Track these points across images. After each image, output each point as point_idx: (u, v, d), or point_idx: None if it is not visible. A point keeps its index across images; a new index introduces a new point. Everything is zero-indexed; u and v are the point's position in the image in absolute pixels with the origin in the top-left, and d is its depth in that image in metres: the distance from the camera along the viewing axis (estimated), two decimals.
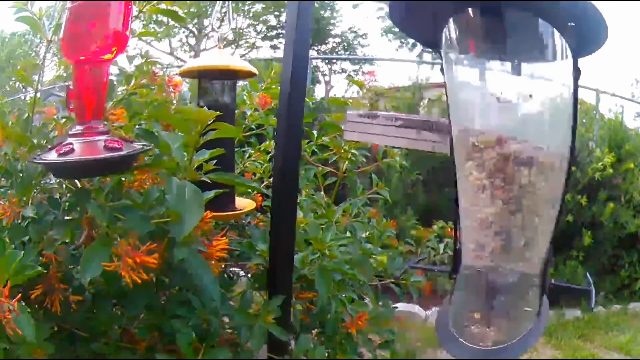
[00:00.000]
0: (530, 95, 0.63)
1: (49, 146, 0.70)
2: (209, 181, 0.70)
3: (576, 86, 0.63)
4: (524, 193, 0.61)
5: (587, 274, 0.78)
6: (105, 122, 0.75)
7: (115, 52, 0.66)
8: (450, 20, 0.63)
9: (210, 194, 0.68)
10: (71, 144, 0.63)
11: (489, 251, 0.63)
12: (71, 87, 0.66)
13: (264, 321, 0.77)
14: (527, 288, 0.65)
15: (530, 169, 0.60)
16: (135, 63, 0.90)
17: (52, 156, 0.62)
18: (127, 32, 0.66)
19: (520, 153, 0.60)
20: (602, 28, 0.58)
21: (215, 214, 0.75)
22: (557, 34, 0.60)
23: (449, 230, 1.44)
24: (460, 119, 0.67)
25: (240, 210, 0.91)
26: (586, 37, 0.60)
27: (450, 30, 0.64)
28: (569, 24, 0.58)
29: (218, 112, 0.65)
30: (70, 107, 0.67)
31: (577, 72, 0.62)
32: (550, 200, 0.63)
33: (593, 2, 0.55)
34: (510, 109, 0.64)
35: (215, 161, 0.69)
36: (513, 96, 0.64)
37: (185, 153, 0.68)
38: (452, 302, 0.70)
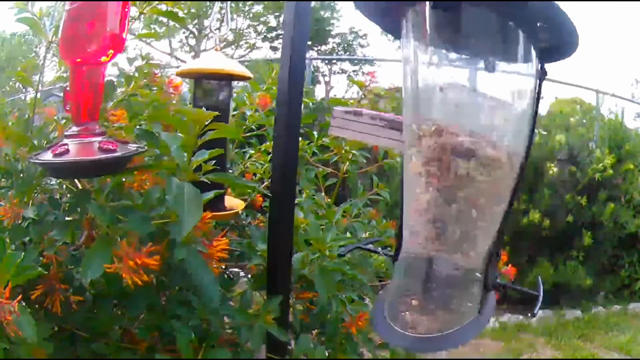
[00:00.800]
0: (475, 90, 0.63)
1: (46, 146, 0.70)
2: (207, 182, 0.70)
3: (539, 88, 0.63)
4: (460, 184, 0.60)
5: (539, 278, 0.77)
6: (106, 123, 0.75)
7: (112, 54, 0.66)
8: (409, 9, 0.63)
9: (210, 194, 0.68)
10: (66, 144, 0.63)
11: (422, 238, 0.62)
12: (68, 88, 0.66)
13: (264, 321, 0.77)
14: (466, 282, 0.64)
15: (469, 161, 0.60)
16: (135, 64, 0.90)
17: (48, 156, 0.63)
18: (124, 34, 0.67)
19: (460, 144, 0.60)
20: (572, 33, 0.58)
21: (213, 214, 0.76)
22: (520, 32, 0.60)
23: None
24: (407, 106, 0.67)
25: (230, 210, 0.92)
26: (557, 41, 0.60)
27: (408, 20, 0.64)
28: (538, 25, 0.58)
29: (216, 113, 0.65)
30: (67, 108, 0.67)
31: (542, 74, 0.62)
32: (493, 195, 0.63)
33: (559, 5, 0.55)
34: (455, 101, 0.64)
35: (214, 162, 0.70)
36: (464, 89, 0.64)
37: (184, 153, 0.68)
38: (389, 288, 0.70)
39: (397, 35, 0.68)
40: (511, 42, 0.61)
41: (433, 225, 0.61)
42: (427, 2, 0.60)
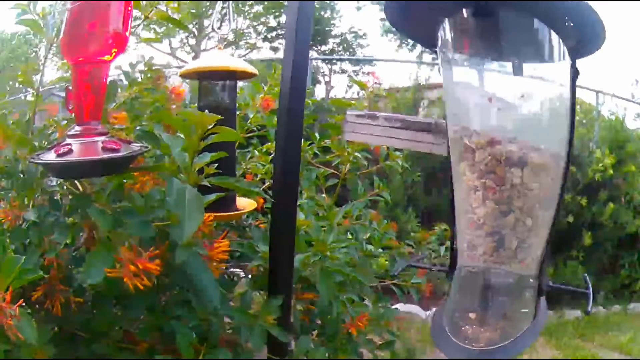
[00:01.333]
0: (523, 96, 0.63)
1: (48, 147, 0.70)
2: (209, 185, 0.70)
3: (574, 86, 0.63)
4: (516, 194, 0.60)
5: (586, 275, 0.78)
6: (107, 125, 0.75)
7: (114, 53, 0.66)
8: (446, 20, 0.63)
9: (212, 196, 0.68)
10: (70, 144, 0.63)
11: (481, 252, 0.63)
12: (70, 87, 0.66)
13: (264, 321, 0.77)
14: (522, 289, 0.65)
15: (523, 170, 0.60)
16: (138, 68, 0.90)
17: (51, 156, 0.63)
18: (127, 33, 0.66)
19: (512, 154, 0.60)
20: (599, 28, 0.58)
21: (216, 214, 0.75)
22: (553, 34, 0.60)
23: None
24: (455, 119, 0.67)
25: (241, 210, 0.91)
26: (584, 38, 0.60)
27: (446, 30, 0.64)
28: (567, 24, 0.58)
29: (219, 116, 0.65)
30: (70, 108, 0.67)
31: (574, 72, 0.62)
32: (544, 201, 0.63)
33: (589, 3, 0.55)
34: (504, 110, 0.64)
35: (217, 164, 0.69)
36: (508, 96, 0.63)
37: (186, 155, 0.68)
38: (447, 303, 0.70)
39: (427, 44, 0.67)
40: (547, 43, 0.61)
41: (491, 237, 0.62)
42: (464, 10, 0.60)
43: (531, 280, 0.65)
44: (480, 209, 0.62)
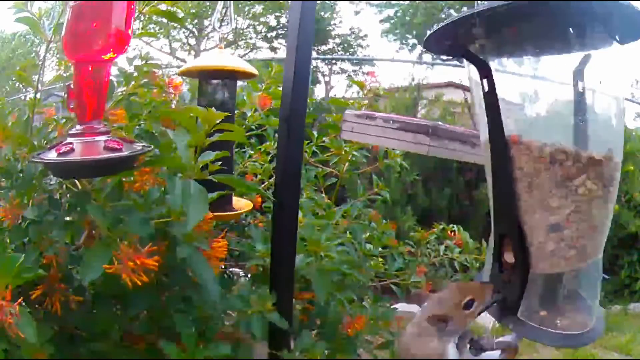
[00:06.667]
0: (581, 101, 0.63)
1: (49, 146, 0.70)
2: (214, 180, 0.70)
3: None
4: (586, 198, 0.62)
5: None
6: (106, 123, 0.75)
7: (116, 51, 0.66)
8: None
9: (213, 195, 0.68)
10: (71, 143, 0.63)
11: (555, 256, 0.64)
12: (72, 86, 0.66)
13: (263, 308, 0.77)
14: (594, 281, 0.68)
15: (588, 176, 0.61)
16: (135, 64, 0.90)
17: (52, 155, 0.62)
18: (129, 32, 0.66)
19: (579, 161, 0.61)
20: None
21: (216, 214, 0.75)
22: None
23: (449, 232, 1.45)
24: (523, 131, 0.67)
25: (238, 210, 0.91)
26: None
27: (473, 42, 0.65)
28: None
29: (227, 113, 0.65)
30: (71, 107, 0.67)
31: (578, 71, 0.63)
32: (608, 200, 0.65)
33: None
34: (563, 118, 0.65)
35: (220, 162, 0.69)
36: (563, 103, 0.65)
37: (191, 151, 0.68)
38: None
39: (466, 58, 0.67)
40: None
41: (565, 243, 0.63)
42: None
43: (599, 273, 0.67)
44: (554, 217, 0.62)
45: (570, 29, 0.61)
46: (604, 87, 0.65)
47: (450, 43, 0.67)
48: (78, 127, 0.65)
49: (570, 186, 0.61)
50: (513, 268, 0.66)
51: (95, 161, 0.62)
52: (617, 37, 0.63)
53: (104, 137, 0.64)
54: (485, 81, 0.63)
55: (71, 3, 0.64)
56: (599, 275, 0.68)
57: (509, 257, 0.66)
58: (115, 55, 0.66)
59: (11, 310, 0.49)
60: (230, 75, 0.90)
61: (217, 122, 0.66)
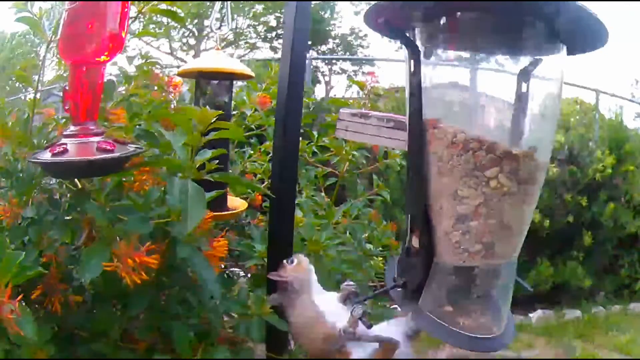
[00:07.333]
0: (526, 93, 0.63)
1: (45, 146, 0.70)
2: (211, 180, 0.70)
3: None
4: (500, 192, 0.61)
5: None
6: (105, 123, 0.75)
7: (111, 54, 0.66)
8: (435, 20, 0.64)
9: (211, 193, 0.68)
10: (65, 144, 0.63)
11: (465, 250, 0.63)
12: (67, 87, 0.66)
13: (261, 312, 0.77)
14: (507, 285, 0.66)
15: (507, 168, 0.60)
16: (135, 63, 0.90)
17: (46, 156, 0.63)
18: (124, 34, 0.67)
19: (497, 152, 0.60)
20: (600, 28, 0.58)
21: (214, 214, 0.76)
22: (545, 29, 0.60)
23: None
24: (447, 119, 0.67)
25: (234, 210, 0.92)
26: (582, 38, 0.61)
27: (430, 25, 0.65)
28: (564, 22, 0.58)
29: (221, 112, 0.65)
30: (66, 108, 0.67)
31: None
32: (528, 198, 0.63)
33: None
34: (494, 110, 0.65)
35: (217, 161, 0.70)
36: (503, 95, 0.64)
37: (187, 152, 0.68)
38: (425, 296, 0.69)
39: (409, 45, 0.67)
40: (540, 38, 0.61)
41: (471, 237, 0.61)
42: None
43: (513, 277, 0.66)
44: (461, 207, 0.61)
45: (516, 29, 0.60)
46: (545, 89, 0.65)
47: (386, 21, 0.66)
48: (72, 128, 0.65)
49: (480, 177, 0.60)
50: (417, 254, 0.65)
51: (87, 162, 0.63)
52: (565, 46, 0.62)
53: (97, 138, 0.65)
54: (412, 62, 0.63)
55: (66, 5, 0.64)
56: (512, 279, 0.66)
57: (415, 242, 0.66)
58: (110, 57, 0.66)
59: (11, 307, 0.49)
60: (227, 76, 0.91)
61: (212, 121, 0.66)
